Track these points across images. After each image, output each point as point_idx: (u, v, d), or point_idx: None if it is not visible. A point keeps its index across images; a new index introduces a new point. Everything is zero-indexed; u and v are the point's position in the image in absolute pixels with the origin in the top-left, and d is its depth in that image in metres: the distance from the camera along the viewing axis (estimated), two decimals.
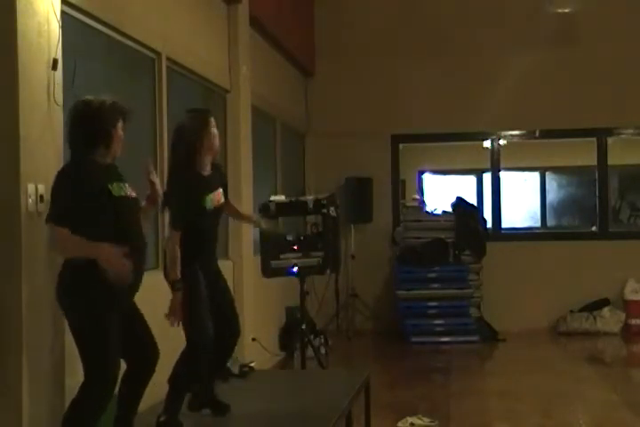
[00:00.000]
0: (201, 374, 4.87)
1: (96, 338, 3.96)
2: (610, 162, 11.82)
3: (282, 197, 7.82)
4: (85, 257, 3.90)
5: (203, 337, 4.73)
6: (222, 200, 4.97)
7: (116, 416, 4.27)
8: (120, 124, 4.15)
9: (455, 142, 12.26)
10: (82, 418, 3.96)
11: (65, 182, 3.93)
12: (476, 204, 12.00)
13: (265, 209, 7.30)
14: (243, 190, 7.69)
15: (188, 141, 4.78)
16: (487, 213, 11.85)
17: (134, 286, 4.12)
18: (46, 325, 4.25)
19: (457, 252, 11.01)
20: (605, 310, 11.06)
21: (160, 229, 6.13)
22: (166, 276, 4.68)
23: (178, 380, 4.79)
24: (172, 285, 4.63)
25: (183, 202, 4.73)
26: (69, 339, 4.48)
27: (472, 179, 14.01)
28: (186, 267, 4.67)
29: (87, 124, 4.01)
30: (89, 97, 4.12)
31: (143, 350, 4.25)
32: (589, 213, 12.44)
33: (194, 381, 4.88)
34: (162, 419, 4.68)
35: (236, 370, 6.23)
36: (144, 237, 4.27)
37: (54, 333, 4.32)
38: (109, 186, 4.04)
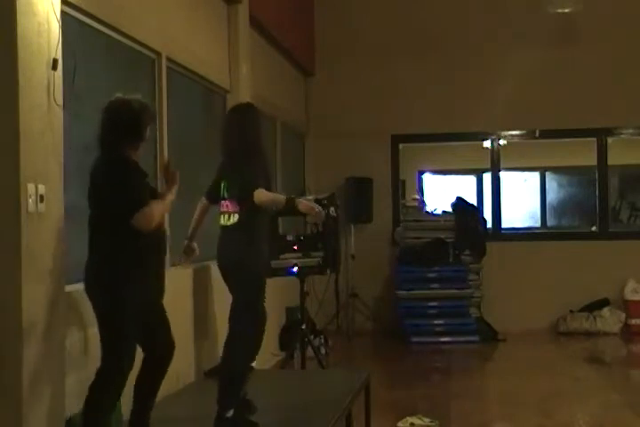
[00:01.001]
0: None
1: (120, 327, 4.24)
2: (610, 162, 11.82)
3: None
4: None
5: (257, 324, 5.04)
6: None
7: (132, 410, 4.46)
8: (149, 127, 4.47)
9: (455, 142, 12.26)
10: (99, 402, 4.19)
11: (122, 173, 4.20)
12: (476, 204, 12.00)
13: None
14: None
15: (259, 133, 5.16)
16: (487, 213, 11.85)
17: (160, 284, 4.53)
18: (46, 325, 4.24)
19: (457, 252, 11.01)
20: (605, 310, 11.06)
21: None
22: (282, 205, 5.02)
23: (232, 372, 4.95)
24: (291, 200, 5.00)
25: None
26: (69, 339, 4.49)
27: (472, 179, 14.01)
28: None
29: (130, 125, 4.28)
30: (125, 96, 4.38)
31: (162, 346, 4.53)
32: (589, 213, 12.44)
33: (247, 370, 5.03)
34: (228, 415, 4.81)
35: None
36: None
37: (54, 333, 4.32)
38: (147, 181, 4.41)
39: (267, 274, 5.21)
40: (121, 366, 4.25)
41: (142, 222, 4.15)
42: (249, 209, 4.97)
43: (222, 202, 5.17)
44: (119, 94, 4.41)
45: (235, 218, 5.01)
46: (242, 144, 5.08)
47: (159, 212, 4.28)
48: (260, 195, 4.91)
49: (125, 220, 4.14)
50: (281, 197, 5.08)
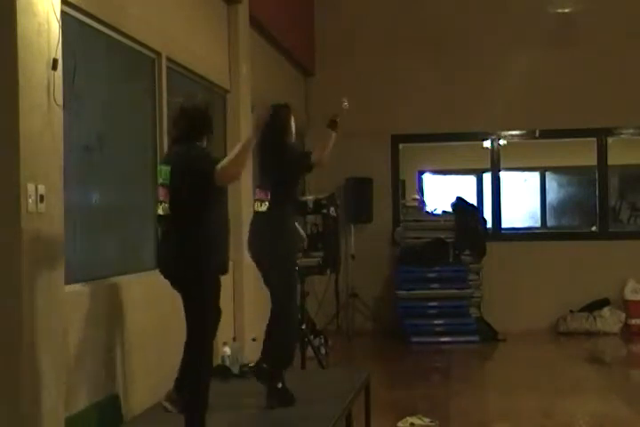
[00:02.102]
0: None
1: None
2: (610, 162, 11.82)
3: None
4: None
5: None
6: None
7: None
8: None
9: (455, 142, 12.26)
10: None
11: (206, 155, 4.66)
12: (476, 204, 12.00)
13: None
14: (243, 190, 7.69)
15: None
16: (487, 213, 11.84)
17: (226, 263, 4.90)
18: (46, 324, 4.24)
19: (457, 252, 11.01)
20: (605, 310, 11.06)
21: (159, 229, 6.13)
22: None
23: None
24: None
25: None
26: (69, 338, 4.49)
27: (472, 179, 14.01)
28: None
29: (208, 120, 4.79)
30: (189, 100, 4.88)
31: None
32: (589, 213, 12.44)
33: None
34: (280, 386, 5.37)
35: (235, 370, 6.24)
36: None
37: (54, 332, 4.32)
38: None
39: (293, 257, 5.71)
40: (209, 335, 4.72)
41: (227, 173, 4.49)
42: (276, 199, 5.48)
43: (255, 189, 5.71)
44: (179, 99, 4.94)
45: (265, 206, 5.49)
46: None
47: (237, 157, 4.49)
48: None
49: (206, 203, 4.59)
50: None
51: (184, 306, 4.75)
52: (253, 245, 5.64)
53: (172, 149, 4.87)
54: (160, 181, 4.77)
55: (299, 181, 5.81)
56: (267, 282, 5.65)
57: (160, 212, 4.75)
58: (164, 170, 4.73)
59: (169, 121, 4.91)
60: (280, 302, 5.53)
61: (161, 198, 4.74)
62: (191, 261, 4.62)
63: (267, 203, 5.48)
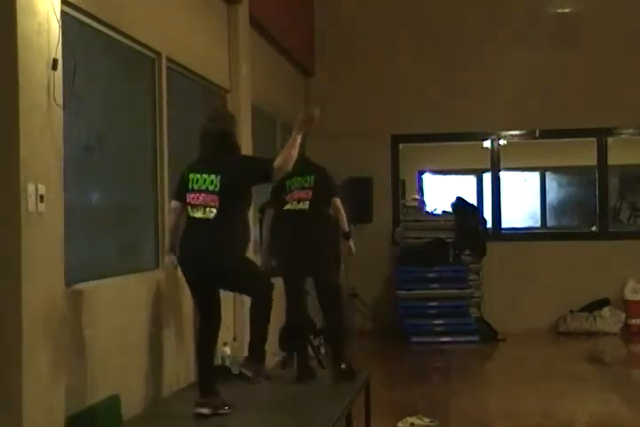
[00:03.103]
0: None
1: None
2: (610, 162, 11.83)
3: None
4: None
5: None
6: None
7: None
8: None
9: (455, 142, 12.27)
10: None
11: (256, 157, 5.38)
12: (476, 204, 12.00)
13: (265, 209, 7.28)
14: None
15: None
16: (487, 213, 11.84)
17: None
18: (46, 324, 4.24)
19: (457, 252, 11.01)
20: (605, 310, 11.07)
21: (160, 229, 6.13)
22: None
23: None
24: (346, 235, 6.85)
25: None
26: (70, 338, 4.49)
27: (472, 179, 14.01)
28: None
29: (234, 140, 5.48)
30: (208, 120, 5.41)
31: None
32: (589, 213, 12.44)
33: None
34: (343, 366, 6.00)
35: (236, 370, 6.23)
36: None
37: (54, 332, 4.32)
38: None
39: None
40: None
41: (281, 167, 5.32)
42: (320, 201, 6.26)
43: (298, 191, 6.28)
44: (205, 121, 5.44)
45: (306, 204, 6.21)
46: None
47: (289, 152, 5.38)
48: (338, 204, 6.34)
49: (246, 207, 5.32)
50: (345, 225, 6.59)
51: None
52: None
53: (212, 161, 5.24)
54: (203, 187, 5.17)
55: None
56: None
57: (205, 215, 5.15)
58: (208, 179, 5.17)
59: (199, 138, 5.35)
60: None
61: (211, 204, 5.17)
62: (233, 257, 5.12)
63: (307, 202, 6.20)
